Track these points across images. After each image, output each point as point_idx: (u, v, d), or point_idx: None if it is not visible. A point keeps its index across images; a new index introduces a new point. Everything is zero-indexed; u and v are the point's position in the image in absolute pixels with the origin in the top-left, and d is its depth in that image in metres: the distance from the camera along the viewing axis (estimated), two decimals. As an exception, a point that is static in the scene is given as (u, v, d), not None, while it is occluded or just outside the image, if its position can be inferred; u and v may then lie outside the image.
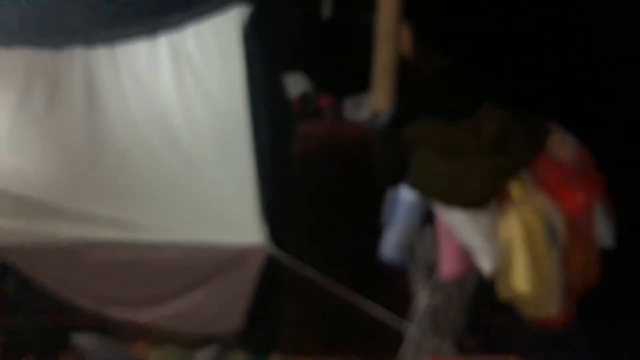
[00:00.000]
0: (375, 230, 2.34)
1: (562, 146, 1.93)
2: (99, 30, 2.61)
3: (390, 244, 2.19)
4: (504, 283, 1.92)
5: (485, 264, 1.89)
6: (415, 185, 2.07)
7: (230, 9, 2.38)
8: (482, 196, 1.90)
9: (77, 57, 2.58)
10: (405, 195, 2.10)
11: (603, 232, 1.94)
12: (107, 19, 2.63)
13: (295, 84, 3.27)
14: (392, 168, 2.36)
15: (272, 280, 2.46)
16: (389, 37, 2.78)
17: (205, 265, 2.21)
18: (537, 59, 2.73)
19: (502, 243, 1.90)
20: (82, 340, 2.05)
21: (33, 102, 2.52)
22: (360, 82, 3.08)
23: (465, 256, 2.02)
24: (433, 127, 2.08)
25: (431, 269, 2.26)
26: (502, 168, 1.89)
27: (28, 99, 2.52)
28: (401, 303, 2.38)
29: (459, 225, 1.93)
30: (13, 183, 2.36)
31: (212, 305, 2.35)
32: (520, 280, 1.82)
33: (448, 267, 2.07)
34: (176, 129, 2.38)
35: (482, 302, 2.58)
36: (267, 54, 2.55)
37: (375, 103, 3.01)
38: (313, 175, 3.06)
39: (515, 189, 1.89)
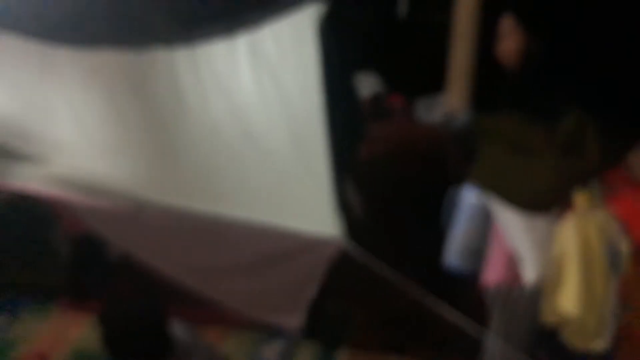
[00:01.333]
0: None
1: None
2: (178, 31, 2.71)
3: (453, 250, 2.12)
4: (550, 304, 1.81)
5: (530, 273, 1.78)
6: (476, 178, 1.97)
7: (306, 7, 2.40)
8: (545, 198, 1.80)
9: (159, 58, 2.69)
10: (468, 196, 2.03)
11: None
12: (185, 20, 2.71)
13: (367, 84, 3.26)
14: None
15: (341, 277, 2.46)
16: (466, 35, 2.72)
17: (279, 247, 2.28)
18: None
19: (555, 256, 1.78)
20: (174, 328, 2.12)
21: (120, 104, 2.66)
22: (434, 83, 3.02)
23: (513, 265, 1.92)
24: (506, 121, 1.97)
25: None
26: (571, 172, 1.78)
27: (115, 101, 2.66)
28: (477, 310, 2.30)
29: (513, 227, 1.83)
30: (104, 184, 2.55)
31: (278, 290, 2.42)
32: (569, 300, 1.70)
33: (493, 274, 1.99)
34: (255, 127, 2.44)
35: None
36: (341, 53, 2.55)
37: (450, 104, 2.94)
38: (383, 177, 3.03)
39: (581, 199, 1.77)
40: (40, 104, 2.82)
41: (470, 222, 2.06)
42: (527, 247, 1.80)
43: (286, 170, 2.38)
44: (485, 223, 2.04)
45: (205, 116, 2.53)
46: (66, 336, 2.77)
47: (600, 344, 1.73)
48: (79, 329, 2.82)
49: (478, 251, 2.07)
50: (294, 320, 2.52)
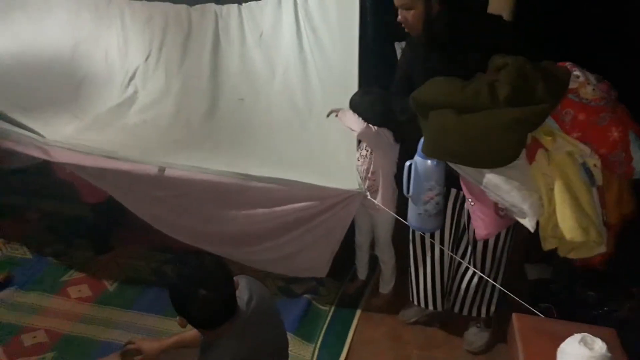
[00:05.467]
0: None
1: (585, 85, 1.77)
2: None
3: (412, 215, 2.13)
4: (546, 233, 1.82)
5: (529, 222, 1.80)
6: (433, 150, 1.89)
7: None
8: (508, 151, 1.76)
9: (209, 12, 2.86)
10: (422, 165, 1.99)
11: None
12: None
13: None
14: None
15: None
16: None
17: (305, 205, 2.27)
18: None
19: (542, 195, 1.79)
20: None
21: (169, 48, 2.84)
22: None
23: (497, 213, 1.95)
24: (443, 87, 1.87)
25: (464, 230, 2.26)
26: (525, 119, 1.73)
27: (164, 45, 2.85)
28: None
29: (493, 186, 1.80)
30: (144, 119, 2.67)
31: (306, 247, 2.44)
32: (571, 229, 1.72)
33: (484, 227, 2.00)
34: (292, 82, 2.58)
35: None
36: (381, 20, 2.65)
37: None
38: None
39: (547, 138, 1.76)
40: (92, 47, 2.99)
41: (426, 188, 2.01)
42: (517, 199, 1.78)
43: (315, 128, 2.47)
44: (442, 184, 2.01)
45: (245, 67, 2.68)
46: (120, 263, 2.94)
47: (602, 248, 1.78)
48: (128, 260, 3.08)
49: (437, 213, 2.09)
50: (321, 272, 2.58)
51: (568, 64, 1.85)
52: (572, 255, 1.85)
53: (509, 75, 1.76)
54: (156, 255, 3.10)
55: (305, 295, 2.77)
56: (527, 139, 1.79)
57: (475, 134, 1.78)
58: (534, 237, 1.87)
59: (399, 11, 1.98)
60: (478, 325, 2.50)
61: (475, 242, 2.24)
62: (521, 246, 2.63)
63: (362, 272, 2.84)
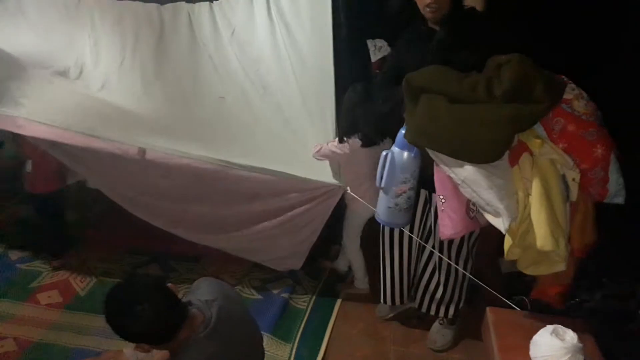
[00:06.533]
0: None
1: (579, 98, 1.77)
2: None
3: (381, 208, 2.09)
4: (513, 240, 1.78)
5: (502, 222, 1.76)
6: (416, 136, 1.84)
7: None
8: (497, 148, 1.72)
9: (181, 10, 2.82)
10: (398, 156, 1.95)
11: (616, 188, 1.80)
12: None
13: (376, 49, 3.33)
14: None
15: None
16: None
17: (287, 194, 2.29)
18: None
19: (518, 199, 1.77)
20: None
21: (142, 49, 2.76)
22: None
23: (467, 214, 1.93)
24: (441, 74, 1.81)
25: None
26: (519, 118, 1.70)
27: (138, 46, 2.78)
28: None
29: (472, 181, 1.76)
30: (118, 121, 2.52)
31: (284, 236, 2.46)
32: (542, 237, 1.70)
33: (451, 227, 1.96)
34: (268, 77, 2.56)
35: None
36: (354, 17, 2.64)
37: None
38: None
39: (535, 141, 1.74)
40: (66, 45, 2.89)
41: (400, 181, 1.98)
42: (494, 198, 1.74)
43: (293, 123, 2.46)
44: (416, 179, 1.98)
45: (222, 65, 2.65)
46: (90, 267, 2.95)
47: (563, 266, 1.75)
48: (99, 263, 3.00)
49: (407, 209, 2.05)
50: (297, 263, 2.64)
51: (563, 78, 1.86)
52: (529, 271, 1.84)
53: (511, 72, 1.74)
54: (128, 258, 3.04)
55: (282, 295, 2.76)
56: (514, 140, 1.76)
57: (465, 124, 1.75)
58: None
59: None
60: (441, 322, 2.51)
61: (441, 244, 2.25)
62: (495, 239, 2.66)
63: (343, 264, 2.86)
